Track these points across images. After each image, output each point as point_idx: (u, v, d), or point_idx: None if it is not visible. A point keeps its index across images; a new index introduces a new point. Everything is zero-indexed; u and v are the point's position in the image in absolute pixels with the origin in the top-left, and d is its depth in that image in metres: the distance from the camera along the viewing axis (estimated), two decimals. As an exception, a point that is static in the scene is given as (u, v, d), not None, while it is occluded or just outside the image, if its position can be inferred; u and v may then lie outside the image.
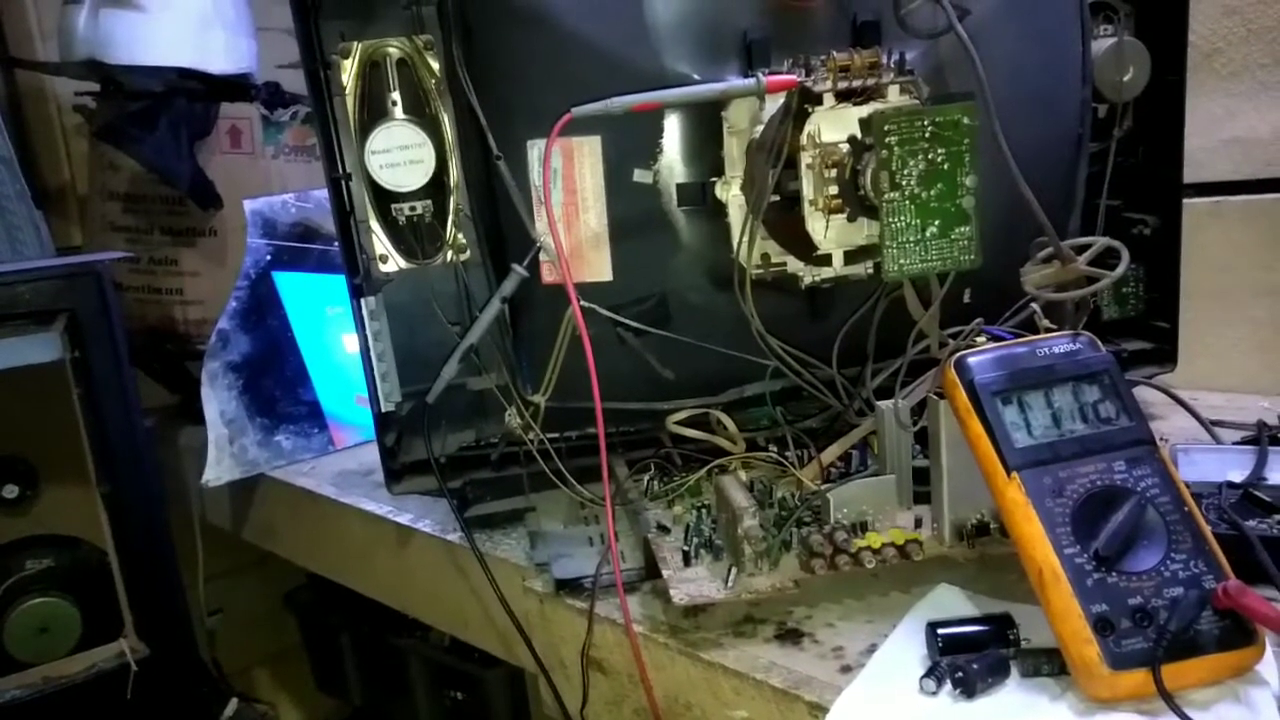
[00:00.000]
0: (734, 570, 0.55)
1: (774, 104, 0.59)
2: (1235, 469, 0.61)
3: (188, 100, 1.11)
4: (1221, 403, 0.82)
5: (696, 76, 0.62)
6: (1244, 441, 0.68)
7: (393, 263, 0.66)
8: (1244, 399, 0.84)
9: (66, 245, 1.28)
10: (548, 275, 0.65)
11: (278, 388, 1.03)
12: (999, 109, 0.55)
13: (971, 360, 0.50)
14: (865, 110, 0.55)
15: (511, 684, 0.96)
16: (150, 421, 1.03)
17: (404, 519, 0.80)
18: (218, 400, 0.98)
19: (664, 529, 0.62)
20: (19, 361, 0.83)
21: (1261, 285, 0.88)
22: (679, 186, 0.64)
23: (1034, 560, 0.45)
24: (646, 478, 0.69)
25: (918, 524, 0.56)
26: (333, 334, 1.06)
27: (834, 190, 0.56)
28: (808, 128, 0.56)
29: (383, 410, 0.69)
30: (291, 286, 1.04)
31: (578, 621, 0.61)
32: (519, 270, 0.65)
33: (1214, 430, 0.73)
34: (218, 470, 0.97)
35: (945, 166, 0.52)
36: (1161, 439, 0.71)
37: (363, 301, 0.67)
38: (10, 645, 0.87)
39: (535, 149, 0.63)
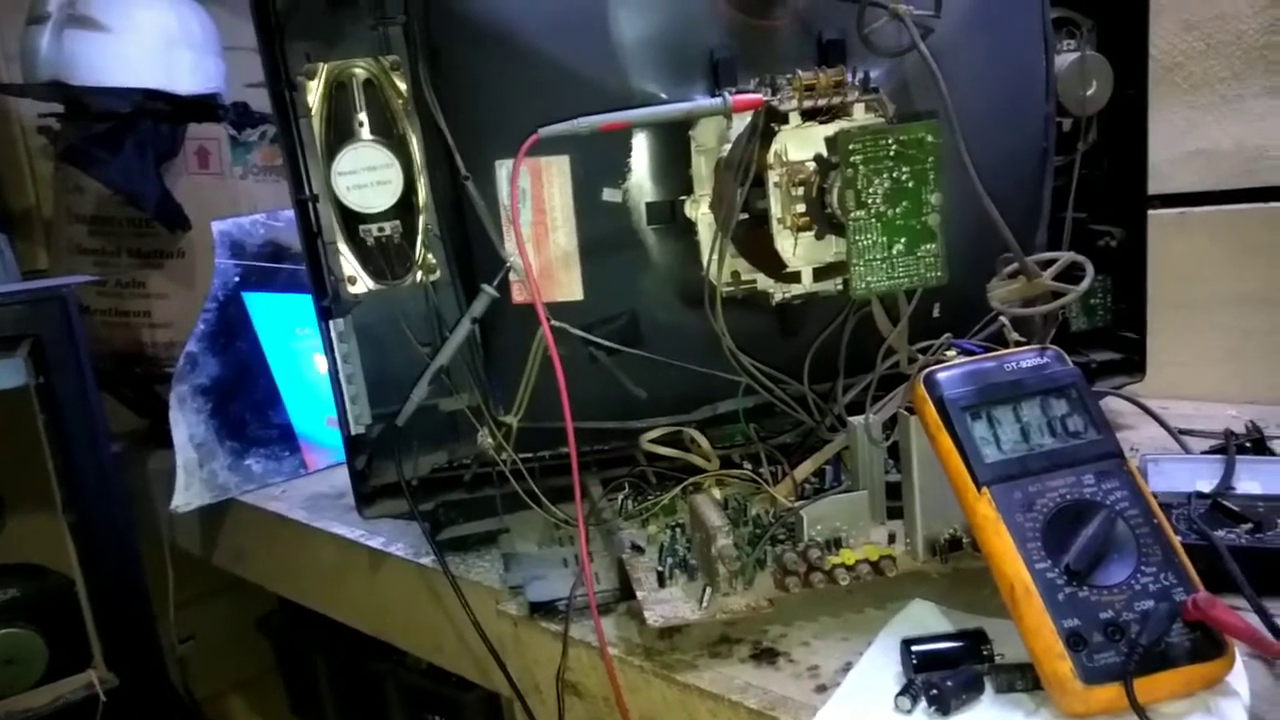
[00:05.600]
0: (708, 590, 0.54)
1: (741, 122, 0.59)
2: (1204, 478, 0.61)
3: (154, 121, 1.10)
4: (1190, 411, 0.83)
5: (664, 96, 0.62)
6: (1212, 451, 0.69)
7: (361, 284, 0.65)
8: (1212, 408, 0.85)
9: (32, 269, 1.26)
10: (518, 295, 0.65)
11: (248, 410, 1.02)
12: (963, 125, 0.56)
13: (940, 376, 0.51)
14: (831, 129, 0.55)
15: (489, 707, 0.95)
16: (118, 446, 1.02)
17: (376, 543, 0.79)
18: (186, 424, 0.96)
19: (638, 549, 0.61)
20: (-18, 388, 0.81)
21: (1227, 294, 0.89)
22: (648, 205, 0.64)
23: (1006, 576, 0.46)
24: (620, 497, 0.69)
25: (891, 539, 0.57)
26: (304, 355, 1.05)
27: (801, 208, 0.56)
28: (774, 146, 0.56)
29: (353, 433, 0.69)
30: (261, 307, 1.03)
31: (552, 644, 0.60)
32: (489, 290, 0.64)
33: (1183, 440, 0.73)
34: (187, 495, 0.96)
35: (910, 184, 0.53)
36: (1131, 449, 0.72)
37: (331, 324, 0.66)
38: (-26, 679, 0.85)
39: (503, 169, 0.63)
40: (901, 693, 0.46)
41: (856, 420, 0.59)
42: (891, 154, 0.52)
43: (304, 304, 1.00)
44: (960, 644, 0.49)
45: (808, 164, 0.56)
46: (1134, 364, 0.83)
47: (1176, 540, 0.46)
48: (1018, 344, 0.53)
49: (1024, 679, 0.46)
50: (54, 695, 0.87)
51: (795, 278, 0.59)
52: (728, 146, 0.60)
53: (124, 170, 1.07)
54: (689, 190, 0.63)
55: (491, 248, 0.64)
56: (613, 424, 0.69)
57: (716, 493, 0.65)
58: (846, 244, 0.53)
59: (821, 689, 0.50)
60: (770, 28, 0.63)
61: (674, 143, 0.63)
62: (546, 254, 0.65)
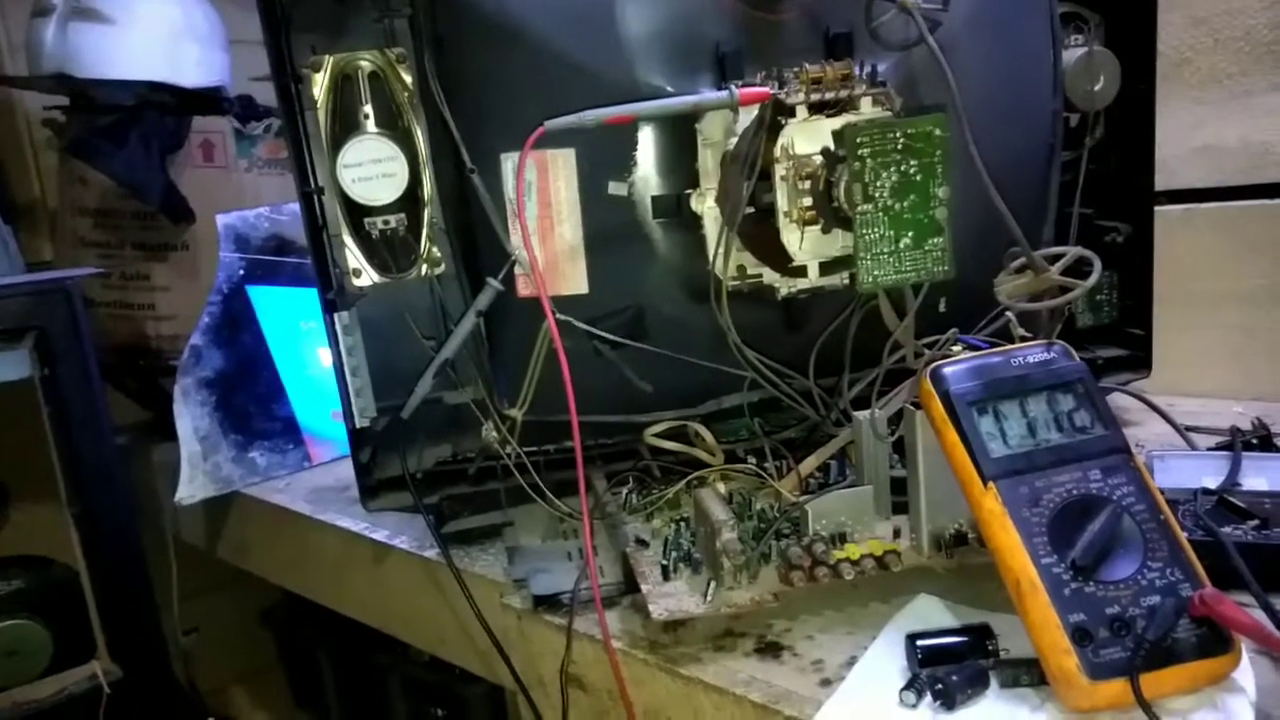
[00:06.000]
0: (713, 584, 0.54)
1: (747, 116, 0.59)
2: (1210, 475, 0.61)
3: (159, 114, 1.10)
4: (1196, 408, 0.82)
5: (670, 89, 0.62)
6: (1218, 447, 0.69)
7: (366, 277, 0.65)
8: (1218, 404, 0.85)
9: (37, 260, 1.26)
10: (523, 288, 0.65)
11: (252, 403, 1.02)
12: (971, 119, 0.56)
13: (947, 370, 0.50)
14: (838, 122, 0.55)
15: (493, 700, 0.95)
16: (123, 439, 1.02)
17: (380, 536, 0.79)
18: (190, 417, 0.96)
19: (642, 543, 0.61)
20: (-13, 380, 0.81)
21: (1233, 291, 0.89)
22: (654, 199, 0.64)
23: (1011, 570, 0.45)
24: (625, 491, 0.69)
25: (896, 534, 0.56)
26: (308, 348, 1.05)
27: (808, 202, 0.56)
28: (781, 140, 0.56)
29: (357, 426, 0.69)
30: (265, 300, 1.03)
31: (556, 638, 0.60)
32: (494, 284, 0.64)
33: (1189, 436, 0.73)
34: (191, 488, 0.96)
35: (918, 178, 0.52)
36: (1137, 445, 0.72)
37: (336, 316, 0.66)
38: (-22, 669, 0.85)
39: (509, 162, 0.63)
40: (906, 687, 0.46)
41: (862, 415, 0.59)
42: (899, 147, 0.52)
43: (308, 297, 1.00)
44: (965, 639, 0.49)
45: (814, 158, 0.56)
46: (1140, 360, 0.83)
47: (1183, 536, 0.46)
48: (1024, 339, 0.52)
49: (1029, 674, 0.46)
50: (58, 686, 0.87)
51: (801, 272, 0.59)
52: (734, 140, 0.60)
53: (129, 163, 1.07)
54: (695, 184, 0.63)
55: (497, 241, 0.64)
56: (617, 418, 0.69)
57: (721, 487, 0.65)
58: (853, 238, 0.53)
59: (826, 683, 0.50)
60: (777, 21, 0.63)
61: (680, 136, 0.63)
62: (552, 247, 0.64)
